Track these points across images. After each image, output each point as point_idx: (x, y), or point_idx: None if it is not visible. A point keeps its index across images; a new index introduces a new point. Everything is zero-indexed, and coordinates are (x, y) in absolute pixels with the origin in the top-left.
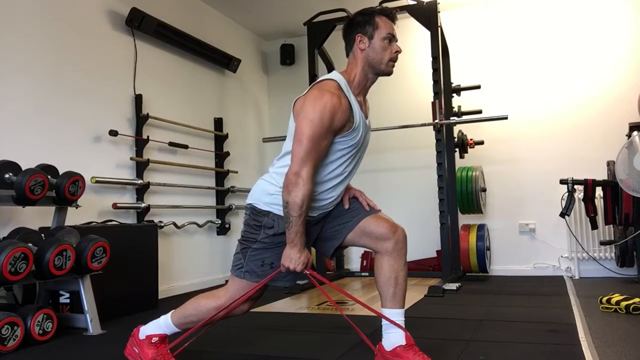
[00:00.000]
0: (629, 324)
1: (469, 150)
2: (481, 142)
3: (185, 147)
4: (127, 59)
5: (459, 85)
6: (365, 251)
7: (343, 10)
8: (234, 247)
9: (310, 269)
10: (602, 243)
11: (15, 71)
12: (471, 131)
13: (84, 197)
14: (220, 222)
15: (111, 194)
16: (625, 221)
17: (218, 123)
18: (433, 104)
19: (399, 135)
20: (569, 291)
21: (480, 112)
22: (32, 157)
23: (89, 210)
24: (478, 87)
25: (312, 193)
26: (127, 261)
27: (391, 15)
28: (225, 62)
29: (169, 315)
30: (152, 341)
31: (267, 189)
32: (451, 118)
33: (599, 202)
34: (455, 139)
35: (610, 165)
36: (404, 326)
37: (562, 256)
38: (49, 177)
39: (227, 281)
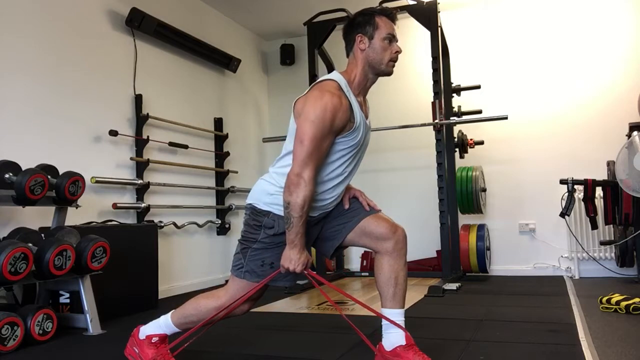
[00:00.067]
0: (629, 324)
1: (469, 150)
2: (481, 142)
3: (185, 147)
4: (127, 59)
5: (459, 85)
6: (365, 251)
7: (343, 10)
8: (234, 247)
9: (310, 270)
10: (602, 243)
11: (15, 71)
12: (471, 131)
13: (84, 197)
14: (220, 222)
15: (111, 194)
16: (625, 221)
17: (218, 123)
18: (433, 104)
19: (399, 135)
20: (569, 291)
21: (480, 112)
22: (32, 157)
23: (89, 210)
24: (478, 87)
25: (314, 194)
26: (127, 261)
27: (391, 15)
28: (225, 62)
29: (169, 315)
30: (152, 341)
31: (267, 189)
32: (451, 118)
33: (599, 202)
34: (455, 139)
35: (610, 165)
36: (404, 326)
37: (562, 256)
38: (49, 177)
39: (227, 281)
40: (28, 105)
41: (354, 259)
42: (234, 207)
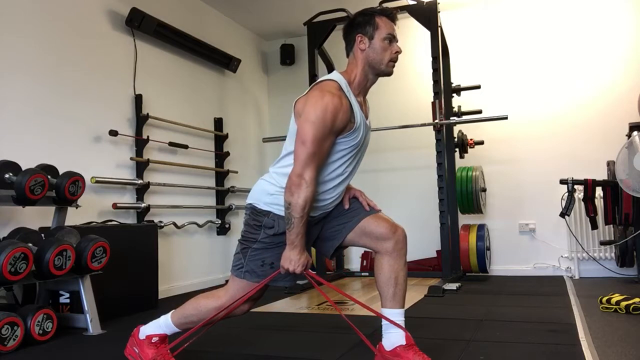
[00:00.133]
0: (629, 324)
1: (469, 150)
2: (481, 142)
3: (185, 147)
4: (127, 59)
5: (459, 85)
6: (365, 251)
7: (343, 10)
8: (234, 247)
9: (310, 271)
10: (602, 243)
11: (15, 71)
12: (471, 131)
13: (84, 197)
14: (220, 222)
15: (111, 194)
16: (625, 221)
17: (218, 123)
18: (433, 104)
19: (399, 135)
20: (569, 291)
21: (480, 112)
22: (32, 157)
23: (89, 210)
24: (478, 87)
25: (315, 194)
26: (127, 261)
27: (391, 15)
28: (225, 62)
29: (169, 315)
30: (152, 341)
31: (267, 189)
32: (451, 118)
33: (599, 202)
34: (455, 139)
35: (610, 165)
36: (404, 326)
37: (562, 256)
38: (49, 177)
39: (227, 281)
40: (28, 105)
41: (354, 259)
42: (234, 207)
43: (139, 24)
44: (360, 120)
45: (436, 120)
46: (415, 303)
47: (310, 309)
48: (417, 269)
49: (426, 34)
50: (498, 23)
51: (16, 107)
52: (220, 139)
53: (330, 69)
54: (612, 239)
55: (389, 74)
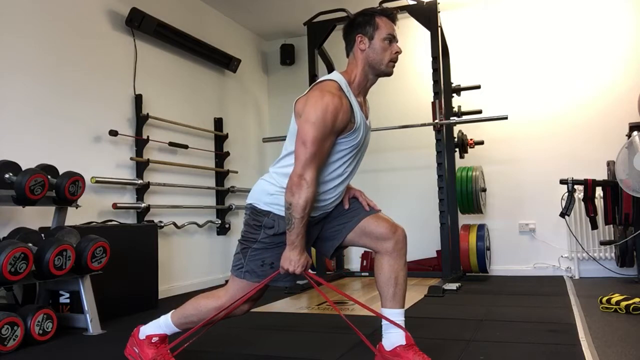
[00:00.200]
0: (629, 324)
1: (469, 150)
2: (481, 142)
3: (185, 147)
4: (127, 59)
5: (459, 85)
6: (365, 251)
7: (343, 10)
8: (234, 247)
9: (310, 271)
10: (602, 243)
11: (15, 71)
12: (471, 131)
13: (84, 197)
14: (220, 222)
15: (111, 194)
16: (625, 221)
17: (218, 123)
18: (433, 104)
19: (399, 135)
20: (569, 291)
21: (480, 112)
22: (32, 157)
23: (89, 210)
24: (478, 87)
25: (315, 195)
26: (127, 261)
27: (391, 15)
28: (225, 62)
29: (169, 315)
30: (152, 341)
31: (267, 189)
32: (451, 118)
33: (599, 202)
34: (455, 139)
35: (610, 165)
36: (404, 326)
37: (562, 256)
38: (49, 177)
39: (227, 281)
40: (28, 105)
41: (354, 259)
42: (234, 207)
43: (139, 24)
44: (360, 120)
45: (436, 120)
46: (415, 303)
47: (310, 309)
48: (417, 269)
49: (426, 34)
50: (498, 23)
51: (16, 107)
52: (220, 139)
53: (330, 69)
54: (612, 239)
55: (389, 74)
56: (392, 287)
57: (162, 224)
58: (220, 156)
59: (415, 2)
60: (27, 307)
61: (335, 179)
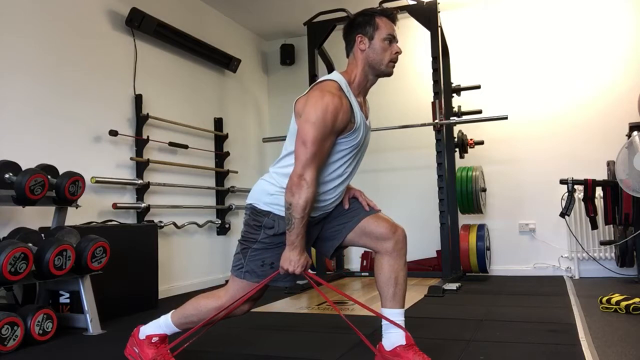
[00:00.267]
0: (629, 324)
1: (469, 150)
2: (481, 142)
3: (185, 147)
4: (127, 59)
5: (459, 85)
6: (365, 251)
7: (343, 10)
8: (234, 247)
9: (309, 272)
10: (602, 243)
11: (15, 71)
12: (471, 131)
13: (84, 197)
14: (220, 222)
15: (111, 194)
16: (625, 221)
17: (218, 123)
18: (433, 104)
19: (399, 135)
20: (569, 291)
21: (480, 112)
22: (32, 157)
23: (89, 210)
24: (478, 87)
25: (316, 195)
26: (127, 261)
27: (392, 16)
28: (225, 62)
29: (169, 315)
30: (152, 341)
31: (267, 189)
32: (451, 118)
33: (599, 202)
34: (455, 139)
35: (610, 165)
36: (404, 326)
37: (562, 256)
38: (49, 177)
39: (227, 281)
40: (28, 105)
41: (354, 259)
42: (234, 207)
43: (139, 24)
44: (360, 120)
45: (436, 120)
46: (415, 303)
47: (310, 309)
48: (417, 269)
49: (426, 34)
50: (498, 23)
51: (16, 107)
52: (220, 139)
53: (330, 69)
54: (612, 239)
55: (389, 74)
56: (392, 287)
57: (162, 224)
58: (220, 156)
59: (415, 2)
60: (27, 307)
61: (335, 179)
